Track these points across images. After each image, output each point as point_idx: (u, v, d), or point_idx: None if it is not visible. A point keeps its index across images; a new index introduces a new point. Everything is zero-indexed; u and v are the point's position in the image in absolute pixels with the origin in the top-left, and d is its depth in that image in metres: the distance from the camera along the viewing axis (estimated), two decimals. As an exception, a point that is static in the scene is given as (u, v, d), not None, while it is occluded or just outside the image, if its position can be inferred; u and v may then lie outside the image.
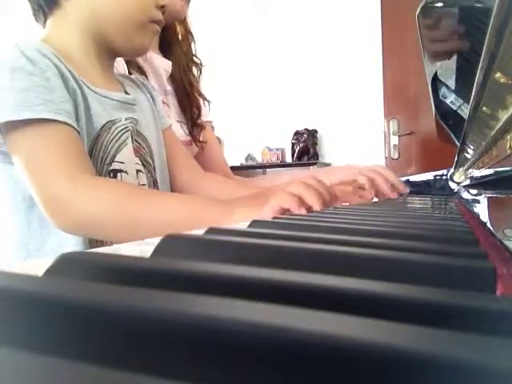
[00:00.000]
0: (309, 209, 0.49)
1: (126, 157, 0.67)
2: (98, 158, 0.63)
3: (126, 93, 0.73)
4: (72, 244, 0.61)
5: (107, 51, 0.68)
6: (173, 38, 0.99)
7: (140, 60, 0.89)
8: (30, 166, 0.57)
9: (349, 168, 0.89)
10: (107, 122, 0.65)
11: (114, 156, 0.65)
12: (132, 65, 0.87)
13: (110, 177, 0.64)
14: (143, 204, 0.56)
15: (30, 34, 0.69)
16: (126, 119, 0.68)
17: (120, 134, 0.66)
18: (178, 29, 1.00)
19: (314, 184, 0.52)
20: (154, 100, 0.80)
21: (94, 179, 0.59)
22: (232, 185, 0.83)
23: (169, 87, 0.97)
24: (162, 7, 0.67)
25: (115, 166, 0.65)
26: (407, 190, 0.87)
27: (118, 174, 0.65)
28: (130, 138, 0.68)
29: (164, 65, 0.95)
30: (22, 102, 0.56)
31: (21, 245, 0.64)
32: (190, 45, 1.02)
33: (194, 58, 1.02)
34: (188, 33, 1.01)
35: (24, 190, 0.61)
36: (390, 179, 0.83)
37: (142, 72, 0.88)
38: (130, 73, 0.86)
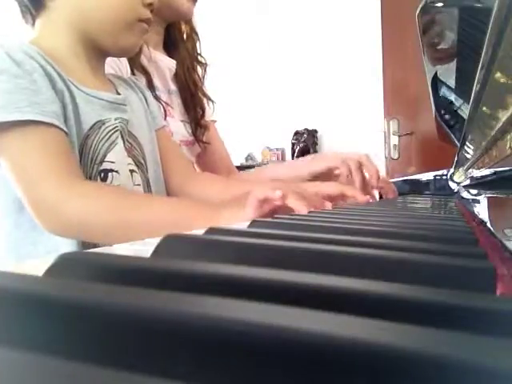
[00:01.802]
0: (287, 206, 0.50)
1: (117, 156, 0.66)
2: (88, 158, 0.63)
3: (118, 93, 0.73)
4: (64, 245, 0.61)
5: (95, 51, 0.68)
6: (177, 37, 0.99)
7: (144, 60, 0.89)
8: (17, 168, 0.57)
9: (329, 156, 0.90)
10: (96, 122, 0.65)
11: (104, 156, 0.65)
12: (136, 65, 0.87)
13: (100, 177, 0.64)
14: (131, 207, 0.57)
15: (22, 34, 0.69)
16: (115, 119, 0.68)
17: (109, 133, 0.66)
18: (183, 28, 1.00)
19: (290, 188, 0.53)
20: (146, 100, 0.79)
21: (82, 183, 0.59)
22: (223, 183, 0.83)
23: (173, 87, 0.97)
24: (149, 5, 0.67)
25: (106, 165, 0.65)
26: (375, 185, 0.87)
27: (109, 174, 0.65)
28: (120, 138, 0.68)
29: (168, 64, 0.95)
30: (7, 104, 0.56)
31: (12, 247, 0.63)
32: (194, 44, 1.01)
33: (199, 58, 1.02)
34: (193, 31, 1.01)
35: (14, 191, 0.61)
36: (368, 172, 0.84)
37: (145, 72, 0.88)
38: (133, 73, 0.86)
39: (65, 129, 0.60)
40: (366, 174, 0.85)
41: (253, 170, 1.09)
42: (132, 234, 0.55)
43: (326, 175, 0.89)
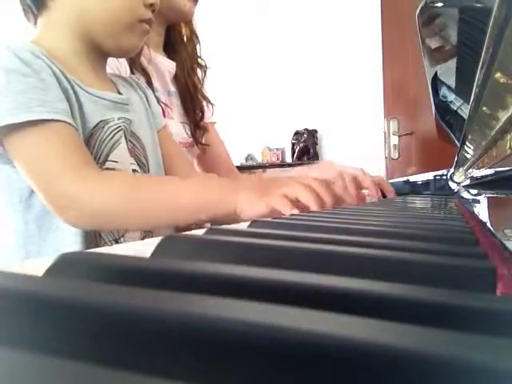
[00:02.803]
0: (306, 209, 0.50)
1: (120, 156, 0.67)
2: (92, 157, 0.63)
3: (119, 93, 0.73)
4: (71, 243, 0.62)
5: (96, 51, 0.68)
6: (178, 39, 0.99)
7: (144, 61, 0.89)
8: (34, 167, 0.58)
9: (327, 167, 0.90)
10: (100, 122, 0.65)
11: (108, 155, 0.65)
12: (136, 66, 0.87)
13: None
14: (151, 191, 0.58)
15: (23, 33, 0.70)
16: (118, 119, 0.68)
17: (113, 133, 0.66)
18: (183, 30, 1.00)
19: (314, 185, 0.52)
20: (147, 100, 0.80)
21: (99, 172, 0.60)
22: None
23: (172, 88, 0.97)
24: (150, 5, 0.66)
25: (109, 165, 0.65)
26: (376, 195, 0.87)
27: None
28: (123, 138, 0.68)
29: (168, 66, 0.95)
30: (19, 105, 0.56)
31: (19, 245, 0.64)
32: (194, 46, 1.01)
33: (199, 60, 1.02)
34: (193, 34, 1.01)
35: (21, 190, 0.61)
36: (364, 184, 0.84)
37: (145, 73, 0.88)
38: (132, 73, 0.86)
39: (75, 126, 0.60)
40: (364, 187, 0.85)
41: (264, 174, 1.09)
42: (153, 217, 0.57)
43: None
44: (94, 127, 0.64)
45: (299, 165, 3.31)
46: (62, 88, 0.61)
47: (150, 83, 0.88)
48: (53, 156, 0.57)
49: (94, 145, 0.64)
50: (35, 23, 0.68)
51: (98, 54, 0.69)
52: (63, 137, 0.58)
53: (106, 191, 0.57)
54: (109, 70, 0.78)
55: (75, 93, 0.63)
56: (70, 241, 0.62)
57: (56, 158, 0.57)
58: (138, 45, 0.69)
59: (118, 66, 0.83)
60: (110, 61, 0.78)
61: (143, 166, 0.72)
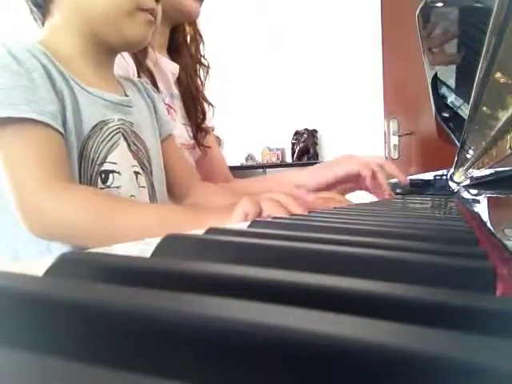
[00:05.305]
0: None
1: (119, 157, 0.66)
2: (89, 158, 0.63)
3: (126, 95, 0.73)
4: (56, 246, 0.61)
5: (103, 49, 0.68)
6: (182, 41, 0.99)
7: (150, 64, 0.89)
8: (8, 167, 0.57)
9: (350, 160, 0.90)
10: (98, 123, 0.64)
11: (106, 157, 0.64)
12: (142, 68, 0.87)
13: (101, 177, 0.64)
14: (116, 213, 0.57)
15: (28, 31, 0.70)
16: (118, 120, 0.68)
17: (111, 134, 0.66)
18: (187, 30, 1.00)
19: (282, 198, 0.53)
20: (154, 106, 0.79)
21: (68, 187, 0.58)
22: (224, 194, 0.83)
23: (175, 91, 0.97)
24: None
25: (107, 166, 0.64)
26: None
27: (110, 175, 0.65)
28: (121, 139, 0.67)
29: (171, 68, 0.95)
30: (3, 100, 0.56)
31: (8, 244, 0.63)
32: (198, 46, 1.01)
33: (202, 60, 1.02)
34: (196, 33, 1.01)
35: None
36: (391, 172, 0.87)
37: (151, 75, 0.88)
38: (139, 76, 0.86)
39: (61, 130, 0.59)
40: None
41: (264, 175, 1.09)
42: (115, 240, 0.55)
43: (346, 180, 0.90)
44: (92, 129, 0.64)
45: (299, 165, 3.32)
46: (56, 89, 0.60)
47: (155, 85, 0.88)
48: (25, 161, 0.56)
49: (91, 146, 0.63)
50: (43, 24, 0.68)
51: (105, 52, 0.69)
52: (42, 141, 0.57)
53: (70, 207, 0.56)
54: (117, 70, 0.77)
55: (72, 93, 0.62)
56: (54, 244, 0.61)
57: (28, 164, 0.56)
58: (144, 35, 0.67)
59: (126, 67, 0.83)
60: (119, 62, 0.77)
61: (146, 168, 0.71)
